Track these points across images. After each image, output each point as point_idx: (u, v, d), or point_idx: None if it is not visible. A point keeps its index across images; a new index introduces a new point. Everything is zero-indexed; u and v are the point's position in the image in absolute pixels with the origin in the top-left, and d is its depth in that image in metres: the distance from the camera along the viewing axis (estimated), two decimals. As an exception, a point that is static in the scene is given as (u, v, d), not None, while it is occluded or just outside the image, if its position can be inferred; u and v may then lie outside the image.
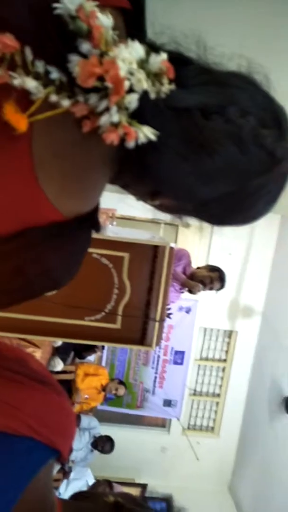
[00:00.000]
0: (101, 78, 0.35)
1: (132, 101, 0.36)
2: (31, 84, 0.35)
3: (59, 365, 3.28)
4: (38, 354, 2.46)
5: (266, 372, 4.65)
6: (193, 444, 5.14)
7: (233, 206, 0.44)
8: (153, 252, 1.59)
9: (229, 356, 5.19)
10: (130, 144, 0.37)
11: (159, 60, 0.37)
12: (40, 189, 0.40)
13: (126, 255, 1.59)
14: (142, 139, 0.37)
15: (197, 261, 4.75)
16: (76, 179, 0.42)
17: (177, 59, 0.40)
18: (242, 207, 0.45)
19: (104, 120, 0.36)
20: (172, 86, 0.38)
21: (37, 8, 0.36)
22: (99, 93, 0.36)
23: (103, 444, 3.95)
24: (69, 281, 0.50)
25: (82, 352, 3.96)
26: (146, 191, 0.48)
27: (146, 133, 0.37)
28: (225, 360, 5.23)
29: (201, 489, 5.05)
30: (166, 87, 0.38)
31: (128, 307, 1.62)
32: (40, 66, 0.36)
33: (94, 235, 0.51)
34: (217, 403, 5.32)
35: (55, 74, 0.36)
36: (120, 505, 0.51)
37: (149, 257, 1.60)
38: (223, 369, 5.25)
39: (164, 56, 0.37)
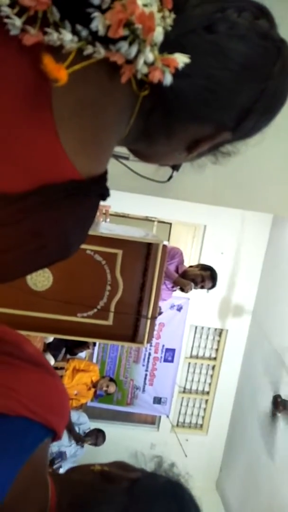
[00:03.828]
0: (126, 24, 0.35)
1: (159, 35, 0.37)
2: (68, 37, 0.35)
3: (50, 361, 3.28)
4: (29, 349, 2.46)
5: (255, 370, 4.70)
6: (182, 441, 5.18)
7: (269, 104, 0.45)
8: (146, 250, 1.60)
9: (219, 354, 5.23)
10: (168, 79, 0.37)
11: None
12: (61, 144, 0.39)
13: (119, 252, 1.59)
14: (181, 64, 0.37)
15: (190, 260, 4.78)
16: (93, 138, 0.42)
17: None
18: (277, 100, 0.45)
19: (140, 62, 0.37)
20: (173, 15, 0.38)
21: None
22: (126, 40, 0.36)
23: (95, 438, 3.96)
24: (77, 250, 0.48)
25: (73, 348, 3.96)
26: (185, 142, 0.47)
27: (182, 59, 0.37)
28: (215, 358, 5.27)
29: (188, 485, 5.09)
30: (170, 17, 0.38)
31: (120, 304, 1.62)
32: (67, 25, 0.36)
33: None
34: (206, 401, 5.37)
35: (84, 32, 0.36)
36: (106, 473, 0.52)
37: (142, 255, 1.61)
38: (213, 367, 5.30)
39: None
